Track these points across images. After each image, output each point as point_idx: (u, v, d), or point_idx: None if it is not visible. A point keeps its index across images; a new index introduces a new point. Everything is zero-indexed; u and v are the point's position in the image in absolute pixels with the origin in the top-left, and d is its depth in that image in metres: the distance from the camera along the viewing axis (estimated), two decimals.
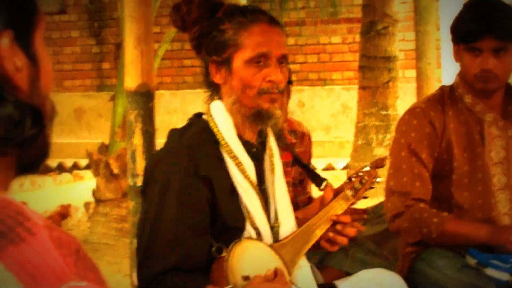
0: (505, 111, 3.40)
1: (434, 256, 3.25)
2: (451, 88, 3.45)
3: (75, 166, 12.23)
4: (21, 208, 0.99)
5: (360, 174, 2.95)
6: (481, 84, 3.31)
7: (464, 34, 3.30)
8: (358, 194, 2.91)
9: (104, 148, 9.45)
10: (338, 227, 2.82)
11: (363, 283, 2.97)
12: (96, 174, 9.36)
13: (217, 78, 2.70)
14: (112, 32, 11.60)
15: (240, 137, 2.71)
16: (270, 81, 2.66)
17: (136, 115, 4.21)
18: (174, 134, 2.77)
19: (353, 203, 2.92)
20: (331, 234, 2.82)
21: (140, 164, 4.17)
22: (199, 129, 2.72)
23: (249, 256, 2.60)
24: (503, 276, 3.15)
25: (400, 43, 9.03)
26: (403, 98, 8.95)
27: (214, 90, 2.75)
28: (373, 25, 8.78)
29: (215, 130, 2.69)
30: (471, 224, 3.31)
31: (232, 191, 2.67)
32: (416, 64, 6.88)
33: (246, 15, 2.71)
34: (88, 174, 10.76)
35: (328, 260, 3.76)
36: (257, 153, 2.77)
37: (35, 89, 1.11)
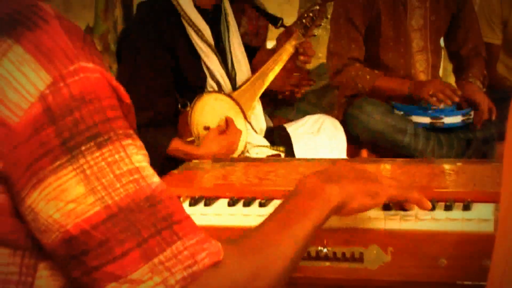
0: None
1: (365, 103, 3.27)
2: None
3: None
4: (35, 0, 0.95)
5: (310, 14, 2.85)
6: None
7: None
8: (308, 32, 2.82)
9: (89, 30, 9.28)
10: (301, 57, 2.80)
11: (307, 124, 2.99)
12: None
13: None
14: None
15: (197, 7, 2.67)
16: None
17: None
18: (141, 8, 2.74)
19: (303, 42, 2.82)
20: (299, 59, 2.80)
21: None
22: (162, 3, 2.67)
23: (210, 108, 2.61)
24: (424, 120, 3.21)
25: None
26: None
27: None
28: None
29: (175, 3, 2.65)
30: (397, 80, 3.33)
31: (194, 55, 2.66)
32: None
33: None
34: None
35: (277, 112, 3.77)
36: (213, 16, 2.73)
37: None
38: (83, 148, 0.88)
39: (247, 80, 2.77)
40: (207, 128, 2.58)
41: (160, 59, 2.59)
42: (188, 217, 0.92)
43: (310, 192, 1.17)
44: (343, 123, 3.14)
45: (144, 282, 0.88)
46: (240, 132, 2.62)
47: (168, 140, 2.53)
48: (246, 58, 2.83)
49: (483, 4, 3.77)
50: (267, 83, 2.77)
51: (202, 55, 2.66)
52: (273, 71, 2.77)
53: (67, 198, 0.88)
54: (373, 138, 3.21)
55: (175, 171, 1.86)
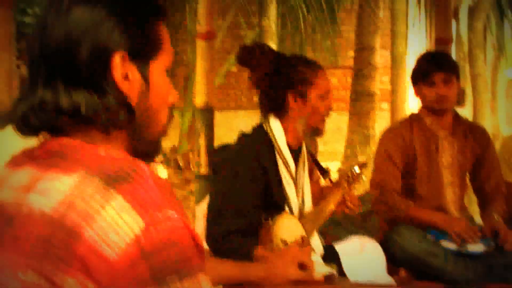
0: (454, 130, 3.40)
1: (402, 229, 3.24)
2: (417, 114, 3.47)
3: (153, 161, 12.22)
4: (135, 161, 1.03)
5: (354, 173, 2.95)
6: (438, 105, 3.32)
7: (422, 73, 3.32)
8: (351, 186, 2.93)
9: (174, 149, 9.48)
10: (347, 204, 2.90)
11: (352, 245, 2.98)
12: (168, 166, 9.39)
13: (294, 105, 2.73)
14: (182, 70, 11.61)
15: (288, 144, 2.74)
16: (330, 108, 2.76)
17: (201, 124, 4.27)
18: (243, 136, 2.79)
19: (347, 193, 2.92)
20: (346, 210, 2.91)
21: (203, 158, 4.22)
22: (261, 135, 2.75)
23: (286, 226, 2.63)
24: (452, 246, 3.18)
25: (378, 84, 9.02)
26: (379, 122, 8.95)
27: (278, 109, 2.75)
28: (360, 70, 8.78)
29: (272, 138, 2.73)
30: (428, 211, 3.31)
31: (279, 180, 2.71)
32: (391, 98, 6.90)
33: (313, 63, 2.77)
34: (161, 167, 10.75)
35: (328, 230, 3.76)
36: (296, 155, 2.80)
37: (142, 101, 1.11)
38: (167, 278, 0.94)
39: (309, 213, 2.82)
40: (283, 241, 2.59)
41: (256, 176, 2.63)
42: None
43: None
44: (384, 244, 3.11)
45: None
46: (310, 250, 2.64)
47: (253, 247, 2.54)
48: (311, 195, 2.89)
49: (503, 148, 3.77)
50: (324, 218, 2.85)
51: (285, 183, 2.72)
52: (328, 210, 2.84)
53: None
54: (409, 260, 3.17)
55: None
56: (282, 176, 2.71)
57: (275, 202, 2.69)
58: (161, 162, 11.09)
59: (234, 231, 2.56)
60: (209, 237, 2.61)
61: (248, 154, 2.67)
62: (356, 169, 2.97)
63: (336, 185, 2.96)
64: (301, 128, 2.75)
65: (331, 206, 2.84)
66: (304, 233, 2.69)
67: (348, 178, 2.93)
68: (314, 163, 3.18)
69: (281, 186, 2.71)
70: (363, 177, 3.00)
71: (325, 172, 3.17)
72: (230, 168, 2.68)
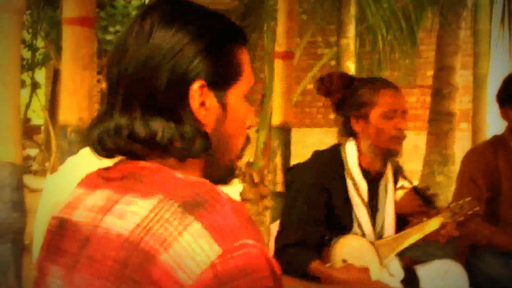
0: None
1: (485, 253, 3.14)
2: (502, 136, 3.33)
3: None
4: (212, 186, 1.00)
5: (460, 202, 2.82)
6: None
7: (509, 95, 3.18)
8: (455, 216, 2.77)
9: (249, 164, 9.50)
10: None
11: (435, 268, 2.88)
12: (243, 181, 9.43)
13: (357, 127, 2.66)
14: (258, 86, 11.71)
15: (361, 166, 2.66)
16: (399, 129, 2.61)
17: (278, 143, 4.25)
18: (315, 155, 2.76)
19: (449, 223, 2.76)
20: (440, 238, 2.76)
21: (279, 176, 4.19)
22: (333, 155, 2.70)
23: (350, 246, 2.57)
24: None
25: (457, 104, 8.79)
26: (458, 142, 8.72)
27: (350, 133, 2.70)
28: (440, 90, 8.59)
29: (344, 158, 2.67)
30: None
31: (347, 201, 2.64)
32: (472, 119, 6.70)
33: (378, 83, 2.66)
34: (236, 181, 10.82)
35: (405, 251, 3.65)
36: (373, 178, 2.70)
37: (219, 128, 1.09)
38: None
39: (390, 236, 2.71)
40: (344, 261, 2.52)
41: (315, 198, 2.59)
42: None
43: None
44: (465, 270, 2.98)
45: None
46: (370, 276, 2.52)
47: (309, 260, 2.49)
48: (394, 220, 2.78)
49: None
50: (406, 244, 2.71)
51: (354, 206, 2.64)
52: (414, 236, 2.71)
53: None
54: (491, 286, 3.04)
55: None
56: (352, 199, 2.64)
57: (342, 223, 2.62)
58: (237, 177, 11.19)
59: (290, 245, 2.56)
60: (274, 249, 2.61)
61: (311, 174, 2.63)
62: (466, 202, 2.83)
63: (435, 212, 2.81)
64: (368, 150, 2.65)
65: (423, 233, 2.72)
66: (374, 255, 2.60)
67: (454, 209, 2.79)
68: (416, 193, 2.99)
69: (350, 208, 2.64)
70: (475, 209, 2.84)
71: (430, 202, 3.00)
72: (294, 186, 2.67)
